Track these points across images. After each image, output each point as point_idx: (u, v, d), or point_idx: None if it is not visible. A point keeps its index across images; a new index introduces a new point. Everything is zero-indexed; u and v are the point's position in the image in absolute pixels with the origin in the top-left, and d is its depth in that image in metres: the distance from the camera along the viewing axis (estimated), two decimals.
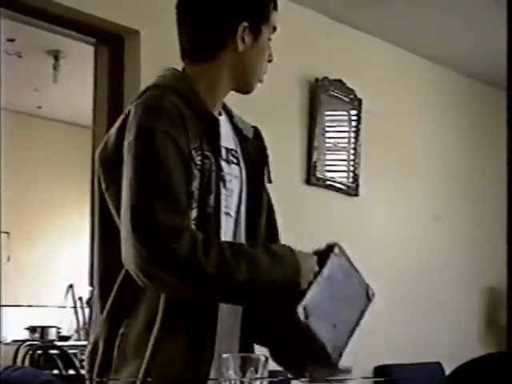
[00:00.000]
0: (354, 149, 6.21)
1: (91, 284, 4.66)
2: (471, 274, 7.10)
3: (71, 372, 6.89)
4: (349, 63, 6.22)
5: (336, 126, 6.11)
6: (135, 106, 2.36)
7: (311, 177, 5.86)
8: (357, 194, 6.20)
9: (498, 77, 7.41)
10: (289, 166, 5.74)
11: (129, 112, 2.35)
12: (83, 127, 6.90)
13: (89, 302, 4.90)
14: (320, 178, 5.92)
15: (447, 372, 5.34)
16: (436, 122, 7.05)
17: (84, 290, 6.59)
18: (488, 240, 7.19)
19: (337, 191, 6.06)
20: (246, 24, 2.51)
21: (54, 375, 6.73)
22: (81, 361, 6.65)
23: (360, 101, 6.25)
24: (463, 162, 7.12)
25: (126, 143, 2.28)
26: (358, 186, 6.19)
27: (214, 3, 2.62)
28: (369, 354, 6.07)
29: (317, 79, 5.94)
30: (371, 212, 6.30)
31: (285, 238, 5.58)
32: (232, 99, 2.77)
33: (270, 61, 2.70)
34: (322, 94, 5.96)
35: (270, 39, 2.66)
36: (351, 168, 6.17)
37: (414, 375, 6.12)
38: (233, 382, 1.84)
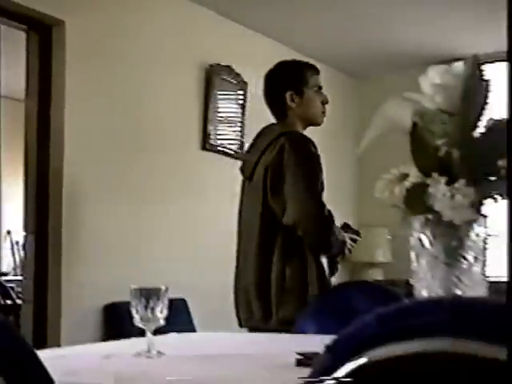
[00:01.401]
0: (241, 122, 6.25)
1: (25, 230, 4.66)
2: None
3: (8, 302, 6.86)
4: (236, 52, 6.23)
5: (226, 103, 6.14)
6: (287, 140, 3.27)
7: (206, 144, 5.88)
8: None
9: (357, 67, 7.60)
10: (188, 135, 5.76)
11: (281, 145, 3.25)
12: (18, 101, 6.76)
13: (24, 245, 4.83)
14: (213, 144, 5.94)
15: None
16: None
17: (20, 236, 6.49)
18: (341, 195, 7.39)
19: (226, 155, 6.11)
20: (290, 92, 3.44)
21: None
22: (17, 293, 6.60)
23: (246, 83, 6.30)
24: (322, 135, 7.24)
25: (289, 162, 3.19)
26: (243, 151, 6.26)
27: (272, 86, 3.67)
28: None
29: (211, 65, 5.94)
30: None
31: (185, 192, 5.65)
32: None
33: (324, 103, 3.60)
34: (214, 78, 5.97)
35: (319, 91, 3.55)
36: (238, 137, 6.23)
37: None
38: (138, 306, 1.91)
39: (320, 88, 3.54)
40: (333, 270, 3.36)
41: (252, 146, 3.68)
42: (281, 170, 3.20)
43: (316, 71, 3.59)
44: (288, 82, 3.51)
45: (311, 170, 3.16)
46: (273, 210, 3.25)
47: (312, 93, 3.48)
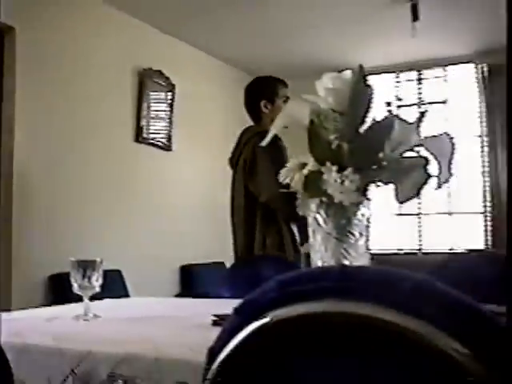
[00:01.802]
0: (169, 118, 6.23)
1: None
2: None
3: None
4: (166, 59, 6.21)
5: (157, 102, 6.10)
6: (259, 138, 3.01)
7: (139, 137, 5.84)
8: (170, 150, 6.24)
9: (266, 73, 7.62)
10: (124, 129, 5.71)
11: (255, 142, 3.45)
12: None
13: None
14: (145, 137, 5.90)
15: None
16: (221, 102, 7.17)
17: None
18: None
19: (156, 147, 6.08)
20: (264, 101, 3.71)
21: None
22: None
23: (174, 85, 6.26)
24: (239, 128, 7.27)
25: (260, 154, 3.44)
26: (171, 143, 6.24)
27: (250, 97, 3.85)
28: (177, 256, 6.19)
29: (144, 69, 5.90)
30: (180, 162, 6.37)
31: (120, 177, 5.59)
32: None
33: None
34: (147, 80, 5.93)
35: (286, 100, 3.69)
36: (166, 131, 6.20)
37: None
38: (76, 276, 1.88)
39: (287, 98, 3.73)
40: (303, 236, 3.59)
41: (236, 143, 3.92)
42: (255, 161, 3.50)
43: (285, 85, 3.85)
44: (262, 93, 3.79)
45: (276, 159, 3.28)
46: (252, 192, 3.53)
47: (281, 102, 3.73)
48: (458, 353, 0.76)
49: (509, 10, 0.84)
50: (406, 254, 7.39)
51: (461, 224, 7.27)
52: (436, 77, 7.50)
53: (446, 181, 1.44)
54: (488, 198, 7.03)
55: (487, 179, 7.03)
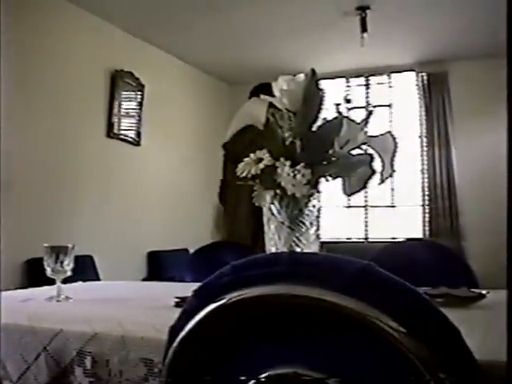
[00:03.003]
0: (139, 115, 6.17)
1: None
2: (206, 193, 7.29)
3: None
4: (137, 61, 6.15)
5: (127, 100, 6.04)
6: None
7: (110, 132, 5.78)
8: (139, 145, 6.19)
9: (230, 76, 7.63)
10: (96, 126, 5.65)
11: None
12: None
13: None
14: (116, 133, 5.84)
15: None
16: (187, 102, 7.15)
17: None
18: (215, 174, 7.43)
19: (126, 142, 6.03)
20: None
21: None
22: None
23: (143, 86, 6.21)
24: (201, 128, 7.26)
25: None
26: (140, 139, 6.19)
27: None
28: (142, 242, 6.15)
29: (116, 70, 5.84)
30: (148, 156, 6.32)
31: (92, 169, 5.52)
32: None
33: None
34: (119, 80, 5.86)
35: None
36: (136, 128, 6.15)
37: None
38: (49, 260, 1.84)
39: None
40: None
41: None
42: None
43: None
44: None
45: None
46: None
47: None
48: (396, 331, 0.76)
49: (509, 9, 0.83)
50: (353, 242, 7.46)
51: (402, 216, 7.37)
52: (381, 83, 7.57)
53: (389, 176, 1.45)
54: (426, 192, 7.14)
55: (426, 175, 7.13)
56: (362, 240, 7.48)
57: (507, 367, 0.79)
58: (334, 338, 0.82)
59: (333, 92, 7.29)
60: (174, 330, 0.91)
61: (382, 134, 1.46)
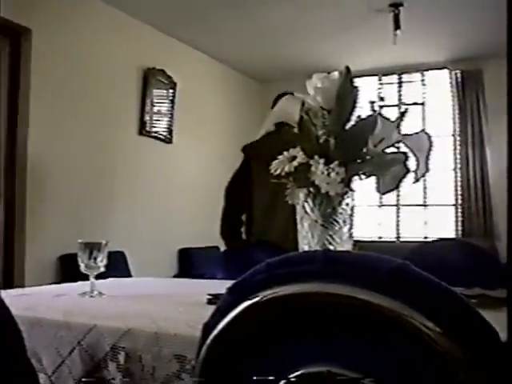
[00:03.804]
0: (171, 113, 6.21)
1: None
2: None
3: None
4: (169, 59, 6.19)
5: (159, 99, 6.07)
6: None
7: (142, 130, 5.82)
8: (171, 142, 6.23)
9: (261, 74, 7.63)
10: (129, 124, 5.70)
11: None
12: None
13: None
14: (148, 131, 5.88)
15: None
16: (221, 100, 7.16)
17: None
18: None
19: (158, 140, 6.07)
20: None
21: None
22: None
23: (175, 84, 6.24)
24: (233, 125, 7.27)
25: None
26: (172, 137, 6.22)
27: None
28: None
29: (148, 68, 5.88)
30: (180, 154, 6.35)
31: (125, 166, 5.57)
32: None
33: None
34: (151, 78, 5.90)
35: None
36: (168, 125, 6.18)
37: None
38: (83, 256, 1.87)
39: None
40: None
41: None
42: None
43: None
44: None
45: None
46: None
47: None
48: (432, 331, 0.76)
49: (509, 9, 0.82)
50: (384, 241, 7.40)
51: (434, 215, 7.29)
52: (414, 81, 7.50)
53: (423, 175, 1.44)
54: (459, 192, 7.05)
55: (459, 174, 7.04)
56: (393, 239, 7.42)
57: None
58: (367, 336, 0.82)
59: (365, 90, 7.24)
60: (208, 327, 0.92)
61: (416, 133, 1.45)
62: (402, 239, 7.36)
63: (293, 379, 0.85)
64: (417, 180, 1.44)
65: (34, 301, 1.70)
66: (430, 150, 1.41)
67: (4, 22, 4.40)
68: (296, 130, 1.43)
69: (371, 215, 7.41)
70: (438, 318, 0.76)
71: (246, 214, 3.56)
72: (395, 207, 7.43)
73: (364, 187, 1.51)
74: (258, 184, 3.62)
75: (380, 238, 7.47)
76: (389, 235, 7.45)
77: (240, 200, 3.55)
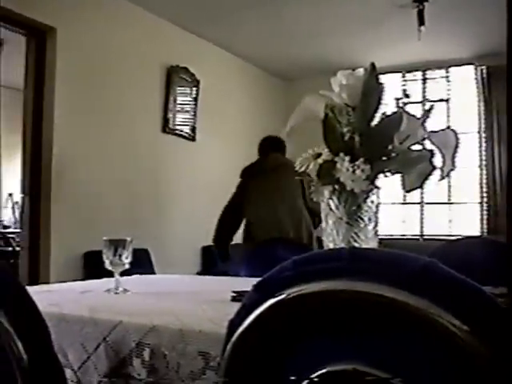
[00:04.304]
0: (194, 111, 6.22)
1: (23, 193, 4.57)
2: None
3: (9, 249, 6.73)
4: (192, 57, 6.20)
5: (182, 96, 6.09)
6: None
7: (166, 128, 5.84)
8: (194, 140, 6.24)
9: (285, 72, 7.61)
10: (152, 121, 5.72)
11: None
12: (17, 90, 6.53)
13: (22, 204, 4.75)
14: (171, 128, 5.90)
15: None
16: (244, 98, 7.15)
17: (18, 197, 6.35)
18: None
19: (181, 137, 6.08)
20: None
21: None
22: (16, 242, 6.47)
23: (198, 81, 6.25)
24: (256, 123, 7.27)
25: None
26: (195, 134, 6.24)
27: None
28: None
29: (171, 66, 5.90)
30: (203, 151, 6.37)
31: (149, 163, 5.60)
32: None
33: None
34: (174, 76, 5.92)
35: None
36: (191, 123, 6.20)
37: None
38: (108, 253, 1.88)
39: None
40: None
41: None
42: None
43: None
44: None
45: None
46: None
47: None
48: (459, 329, 0.75)
49: (509, 9, 0.81)
50: (408, 239, 7.35)
51: (459, 212, 7.22)
52: (438, 77, 7.43)
53: (449, 172, 1.42)
54: (484, 189, 6.97)
55: (484, 171, 6.97)
56: (417, 237, 7.37)
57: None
58: (393, 334, 0.81)
59: (389, 87, 7.18)
60: (233, 324, 0.92)
61: (442, 129, 1.44)
62: (425, 237, 7.31)
63: (320, 376, 0.85)
64: (443, 177, 1.42)
65: (60, 297, 1.71)
66: (456, 146, 1.40)
67: (29, 22, 4.46)
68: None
69: (395, 212, 7.36)
70: (465, 316, 0.76)
71: (245, 220, 3.74)
72: (419, 205, 7.38)
73: (387, 184, 1.50)
74: (255, 194, 3.82)
75: (403, 235, 7.42)
76: (413, 233, 7.40)
77: (233, 223, 4.02)
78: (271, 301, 0.86)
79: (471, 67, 7.14)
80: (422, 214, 7.39)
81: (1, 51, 6.71)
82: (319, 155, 1.45)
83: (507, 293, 1.46)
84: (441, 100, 7.28)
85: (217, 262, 6.15)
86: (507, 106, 0.80)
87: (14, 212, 8.80)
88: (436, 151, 1.41)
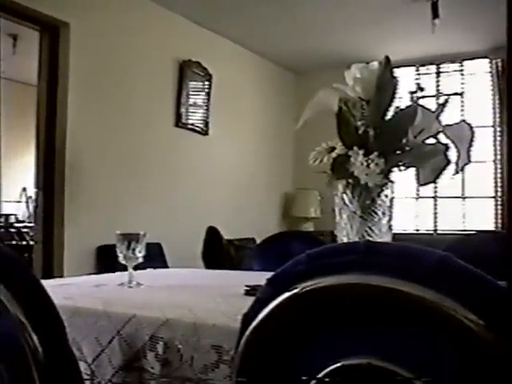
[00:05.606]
0: (206, 105, 6.20)
1: (37, 187, 4.61)
2: (273, 182, 7.34)
3: (24, 243, 6.78)
4: (204, 51, 6.19)
5: (195, 90, 6.09)
6: None
7: (178, 122, 5.84)
8: (207, 134, 6.24)
9: (297, 65, 7.59)
10: (165, 115, 5.72)
11: None
12: (30, 85, 6.56)
13: (36, 199, 4.78)
14: (184, 123, 5.89)
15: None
16: (257, 92, 7.15)
17: (32, 192, 6.39)
18: (282, 163, 7.43)
19: (194, 132, 6.08)
20: None
21: (11, 245, 6.58)
22: (30, 236, 6.51)
23: (211, 76, 6.24)
24: (268, 117, 7.26)
25: None
26: (208, 128, 6.24)
27: None
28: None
29: (184, 61, 5.88)
30: (216, 145, 6.36)
31: (161, 157, 5.61)
32: None
33: None
34: (186, 70, 5.91)
35: None
36: (204, 117, 6.20)
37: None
38: (122, 247, 1.89)
39: None
40: None
41: None
42: None
43: None
44: None
45: None
46: None
47: None
48: (475, 323, 0.75)
49: (509, 9, 0.80)
50: (422, 234, 7.33)
51: (473, 207, 7.18)
52: (453, 70, 7.38)
53: (464, 166, 1.42)
54: (499, 184, 6.93)
55: (499, 166, 6.92)
56: (430, 232, 7.34)
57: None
58: (408, 329, 0.81)
59: (402, 81, 7.15)
60: (247, 318, 0.92)
61: (457, 123, 1.43)
62: (439, 231, 7.28)
63: (334, 370, 0.85)
64: (457, 172, 1.42)
65: (74, 290, 1.72)
66: (471, 140, 1.39)
67: (42, 17, 4.47)
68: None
69: (408, 207, 7.33)
70: (481, 310, 0.75)
71: None
72: (432, 199, 7.34)
73: (401, 178, 1.49)
74: None
75: (417, 230, 7.39)
76: (426, 227, 7.37)
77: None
78: (285, 295, 0.86)
79: (486, 61, 7.09)
80: (435, 209, 7.35)
81: (15, 45, 6.75)
82: (333, 149, 1.45)
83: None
84: (455, 94, 7.23)
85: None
86: (507, 106, 0.79)
87: (28, 206, 8.87)
88: (451, 145, 1.40)
